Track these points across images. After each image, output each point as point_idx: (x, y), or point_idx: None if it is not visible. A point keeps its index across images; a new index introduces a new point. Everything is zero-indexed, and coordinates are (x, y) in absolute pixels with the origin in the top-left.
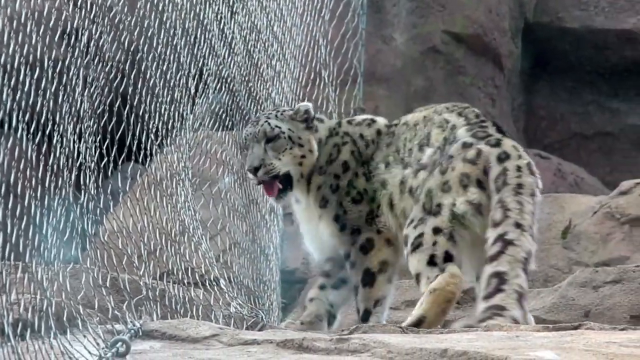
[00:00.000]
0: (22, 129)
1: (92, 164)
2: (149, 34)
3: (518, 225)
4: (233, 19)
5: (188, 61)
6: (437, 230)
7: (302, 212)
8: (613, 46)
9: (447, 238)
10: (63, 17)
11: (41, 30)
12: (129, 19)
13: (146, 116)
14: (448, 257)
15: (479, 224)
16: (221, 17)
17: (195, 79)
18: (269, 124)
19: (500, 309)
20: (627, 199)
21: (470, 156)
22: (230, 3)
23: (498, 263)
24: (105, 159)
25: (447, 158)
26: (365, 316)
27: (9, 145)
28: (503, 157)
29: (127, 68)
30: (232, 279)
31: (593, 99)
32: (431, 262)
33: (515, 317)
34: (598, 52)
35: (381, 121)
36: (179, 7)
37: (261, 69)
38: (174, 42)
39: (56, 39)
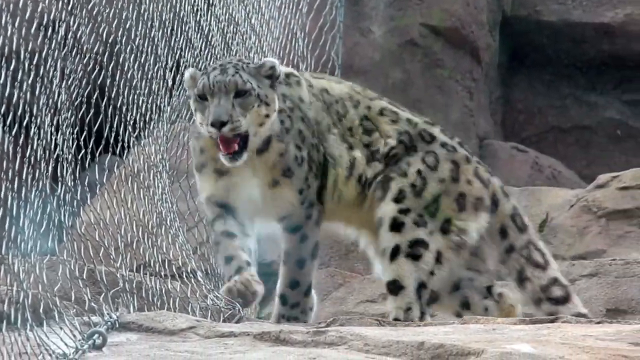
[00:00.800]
0: None
1: (70, 156)
2: (127, 26)
3: (558, 270)
4: (210, 11)
5: (165, 53)
6: (439, 257)
7: (246, 170)
8: (591, 40)
9: (446, 273)
10: (40, 9)
11: (17, 22)
12: (106, 10)
13: (124, 108)
14: (433, 299)
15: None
16: (198, 9)
17: (173, 71)
18: (240, 76)
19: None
20: (603, 193)
21: (484, 177)
22: None
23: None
24: (83, 151)
25: (447, 162)
26: (309, 291)
27: None
28: (506, 192)
29: (104, 60)
30: (209, 272)
31: (570, 92)
32: (419, 292)
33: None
34: (575, 45)
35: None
36: None
37: None
38: (152, 34)
39: (33, 30)
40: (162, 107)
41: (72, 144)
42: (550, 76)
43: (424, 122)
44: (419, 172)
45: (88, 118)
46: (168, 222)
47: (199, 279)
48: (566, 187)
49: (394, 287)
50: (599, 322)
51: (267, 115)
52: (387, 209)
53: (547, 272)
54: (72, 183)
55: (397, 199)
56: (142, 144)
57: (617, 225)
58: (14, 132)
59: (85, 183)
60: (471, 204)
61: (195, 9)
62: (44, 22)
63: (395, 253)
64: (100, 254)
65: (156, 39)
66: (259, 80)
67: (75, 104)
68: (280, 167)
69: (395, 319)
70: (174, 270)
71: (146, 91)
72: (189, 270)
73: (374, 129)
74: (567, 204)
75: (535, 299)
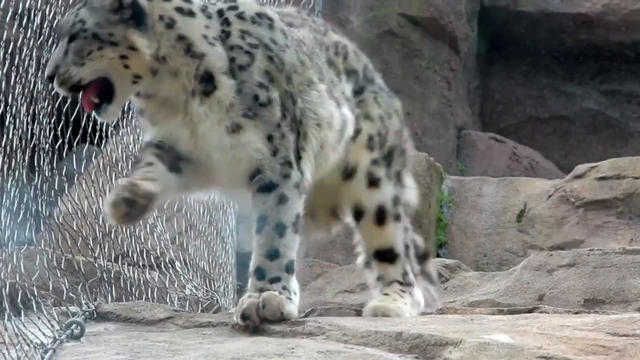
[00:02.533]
0: None
1: (47, 146)
2: None
3: None
4: None
5: None
6: (405, 210)
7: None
8: (568, 30)
9: (409, 231)
10: None
11: None
12: None
13: None
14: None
15: None
16: None
17: None
18: (76, 15)
19: None
20: (581, 183)
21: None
22: None
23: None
24: (60, 141)
25: (395, 112)
26: (291, 268)
27: None
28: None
29: None
30: (187, 262)
31: (548, 82)
32: (407, 252)
33: None
34: (553, 36)
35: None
36: None
37: None
38: None
39: (7, 19)
40: None
41: (49, 134)
42: (528, 66)
43: (360, 53)
44: (380, 118)
45: (65, 107)
46: None
47: (177, 269)
48: (544, 178)
49: (390, 256)
50: (576, 313)
51: (124, 57)
52: (361, 157)
53: None
54: (50, 173)
55: (370, 147)
56: (120, 134)
57: (595, 216)
58: None
59: (63, 173)
60: (410, 164)
61: None
62: (19, 10)
63: (381, 215)
64: (78, 244)
65: None
66: (101, 18)
67: (52, 93)
68: (239, 107)
69: (395, 281)
70: (152, 260)
71: None
72: (167, 261)
73: (338, 72)
74: (545, 194)
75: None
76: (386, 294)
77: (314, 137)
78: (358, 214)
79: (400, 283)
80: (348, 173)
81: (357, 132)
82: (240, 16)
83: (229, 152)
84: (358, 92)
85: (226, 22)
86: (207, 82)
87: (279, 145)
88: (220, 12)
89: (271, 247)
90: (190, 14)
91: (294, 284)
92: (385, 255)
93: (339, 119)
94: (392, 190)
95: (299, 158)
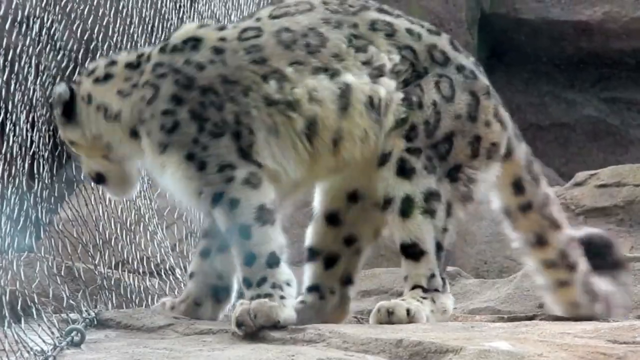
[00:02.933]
0: None
1: (46, 153)
2: (104, 23)
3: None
4: (193, 8)
5: None
6: (449, 209)
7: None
8: (569, 37)
9: (454, 228)
10: (14, 5)
11: None
12: (81, 7)
13: None
14: (445, 263)
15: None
16: (180, 6)
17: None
18: None
19: None
20: (582, 190)
21: (504, 118)
22: None
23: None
24: (60, 148)
25: (465, 93)
26: (273, 261)
27: None
28: (519, 136)
29: (80, 56)
30: (187, 269)
31: (549, 90)
32: (438, 254)
33: None
34: (554, 43)
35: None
36: None
37: None
38: (131, 31)
39: (7, 26)
40: None
41: (49, 141)
42: (528, 74)
43: (428, 33)
44: (434, 104)
45: None
46: (146, 219)
47: (178, 276)
48: None
49: (414, 252)
50: (577, 320)
51: (77, 150)
52: (397, 144)
53: (564, 231)
54: (50, 180)
55: (408, 136)
56: None
57: (595, 223)
58: None
59: (63, 180)
60: (485, 150)
61: (178, 5)
62: (19, 18)
63: (408, 207)
64: (79, 251)
65: (135, 36)
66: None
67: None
68: (156, 146)
69: (416, 286)
70: (153, 267)
71: None
72: (167, 268)
73: (368, 44)
74: None
75: (547, 264)
76: (403, 299)
77: (276, 123)
78: (385, 204)
79: (424, 289)
80: (382, 160)
81: (403, 120)
82: (162, 49)
83: (173, 188)
84: (415, 73)
85: (147, 59)
86: (136, 136)
87: (205, 158)
88: (149, 54)
89: (245, 253)
90: (106, 78)
91: (282, 274)
92: (409, 251)
93: (334, 88)
94: (430, 184)
95: (245, 153)
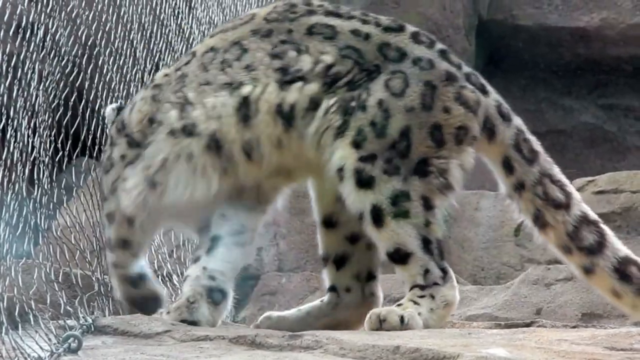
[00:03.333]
0: None
1: (46, 159)
2: (106, 29)
3: (582, 200)
4: (191, 14)
5: (144, 56)
6: (427, 204)
7: None
8: (566, 44)
9: (440, 217)
10: (18, 12)
11: None
12: (86, 13)
13: (102, 111)
14: (442, 253)
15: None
16: (179, 13)
17: (152, 74)
18: None
19: None
20: None
21: (469, 99)
22: None
23: (614, 250)
24: (60, 154)
25: (418, 84)
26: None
27: None
28: (506, 113)
29: (83, 62)
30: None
31: (546, 96)
32: (427, 248)
33: None
34: (552, 49)
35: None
36: (136, 1)
37: None
38: (131, 37)
39: (11, 33)
40: None
41: (49, 147)
42: (526, 80)
43: (384, 31)
44: (379, 103)
45: (65, 120)
46: None
47: (175, 282)
48: None
49: (400, 257)
50: (574, 327)
51: None
52: (345, 155)
53: (571, 210)
54: (49, 186)
55: (357, 142)
56: None
57: None
58: None
59: (62, 186)
60: (452, 136)
61: (176, 11)
62: (23, 24)
63: (378, 217)
64: (76, 257)
65: (135, 42)
66: None
67: (53, 106)
68: None
69: (413, 287)
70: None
71: (124, 94)
72: (164, 274)
73: (290, 49)
74: None
75: (563, 247)
76: (399, 304)
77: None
78: (359, 219)
79: (422, 287)
80: (340, 176)
81: (341, 127)
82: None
83: None
84: (364, 73)
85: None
86: None
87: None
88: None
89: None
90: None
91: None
92: (395, 257)
93: (233, 102)
94: (395, 186)
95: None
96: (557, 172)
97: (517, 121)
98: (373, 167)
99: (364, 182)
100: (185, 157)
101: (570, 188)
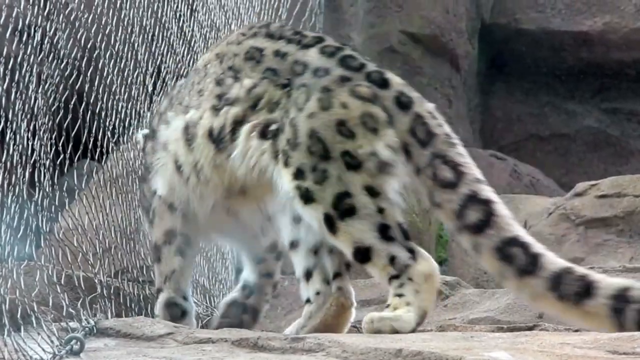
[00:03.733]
0: None
1: (47, 161)
2: (107, 32)
3: (479, 181)
4: (193, 17)
5: (146, 59)
6: (372, 191)
7: None
8: (569, 48)
9: (394, 206)
10: (15, 14)
11: None
12: (85, 15)
13: (102, 113)
14: (405, 234)
15: (407, 171)
16: (180, 15)
17: (153, 77)
18: None
19: (571, 271)
20: (582, 201)
21: (365, 94)
22: (191, 1)
23: (498, 229)
24: (61, 156)
25: (315, 92)
26: (158, 294)
27: None
28: (405, 102)
29: (83, 65)
30: None
31: (549, 100)
32: (385, 235)
33: (588, 272)
34: (554, 53)
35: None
36: (137, 4)
37: None
38: (132, 40)
39: (8, 35)
40: (141, 112)
41: (50, 150)
42: (529, 84)
43: (301, 48)
44: (291, 120)
45: (66, 123)
46: (146, 228)
47: None
48: (545, 195)
49: (362, 255)
50: (577, 330)
51: None
52: (283, 178)
53: (459, 190)
54: (50, 188)
55: (285, 162)
56: (121, 150)
57: (595, 233)
58: None
59: (64, 188)
60: (358, 125)
61: (178, 14)
62: (19, 27)
63: (331, 225)
64: (78, 260)
65: (136, 45)
66: None
67: (53, 109)
68: None
69: (391, 278)
70: (152, 276)
71: (125, 96)
72: None
73: (230, 76)
74: (546, 212)
75: (453, 226)
76: (388, 305)
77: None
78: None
79: (396, 276)
80: (288, 198)
81: (268, 149)
82: None
83: None
84: (283, 91)
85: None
86: None
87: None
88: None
89: None
90: None
91: None
92: (359, 258)
93: (181, 126)
94: (331, 190)
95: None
96: (454, 153)
97: (419, 108)
98: (305, 180)
99: (306, 197)
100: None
101: (466, 168)
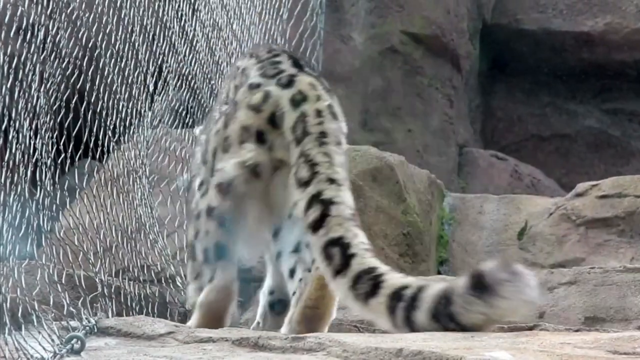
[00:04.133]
0: None
1: (49, 160)
2: (107, 31)
3: (332, 181)
4: (195, 16)
5: (147, 58)
6: (210, 212)
7: None
8: (571, 48)
9: (219, 222)
10: (19, 13)
11: None
12: (86, 15)
13: (103, 112)
14: (220, 252)
15: (255, 189)
16: (182, 15)
17: (155, 76)
18: None
19: (371, 272)
20: (582, 201)
21: (256, 101)
22: (192, 0)
23: (327, 229)
24: (62, 155)
25: (233, 106)
26: None
27: None
28: (298, 100)
29: (84, 64)
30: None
31: (550, 100)
32: (206, 259)
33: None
34: (556, 54)
35: None
36: (137, 3)
37: (222, 67)
38: (132, 39)
39: (12, 34)
40: (142, 112)
41: (52, 148)
42: (530, 84)
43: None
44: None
45: (67, 122)
46: (147, 227)
47: (178, 284)
48: (545, 196)
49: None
50: (577, 330)
51: None
52: None
53: (307, 189)
54: (51, 187)
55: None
56: (122, 149)
57: (596, 234)
58: None
59: (65, 187)
60: (234, 140)
61: (179, 14)
62: (23, 26)
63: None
64: (79, 259)
65: (137, 44)
66: None
67: (54, 108)
68: None
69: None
70: (153, 275)
71: (126, 96)
72: (168, 276)
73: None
74: (546, 212)
75: (305, 228)
76: None
77: None
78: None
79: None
80: None
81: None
82: None
83: None
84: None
85: None
86: None
87: None
88: None
89: None
90: None
91: None
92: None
93: None
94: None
95: None
96: (317, 152)
97: (308, 105)
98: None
99: None
100: None
101: (322, 167)
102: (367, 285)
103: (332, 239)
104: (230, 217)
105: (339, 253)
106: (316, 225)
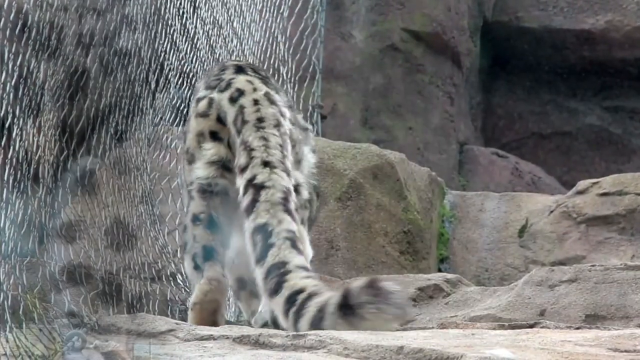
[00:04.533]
0: None
1: (51, 158)
2: (111, 28)
3: (266, 164)
4: (196, 14)
5: (149, 55)
6: (195, 219)
7: None
8: (571, 46)
9: (205, 225)
10: (24, 10)
11: (1, 24)
12: (90, 13)
13: (106, 110)
14: (207, 254)
15: (233, 183)
16: (183, 12)
17: (156, 74)
18: None
19: (281, 267)
20: (583, 199)
21: (202, 108)
22: None
23: (256, 215)
24: (65, 153)
25: (187, 123)
26: None
27: None
28: (236, 97)
29: (88, 62)
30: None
31: (551, 98)
32: (196, 265)
33: (299, 265)
34: (556, 51)
35: None
36: (140, 1)
37: None
38: (135, 36)
39: (17, 32)
40: (144, 109)
41: (54, 146)
42: (530, 82)
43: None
44: None
45: (70, 120)
46: (148, 225)
47: (179, 281)
48: (546, 193)
49: None
50: (578, 328)
51: None
52: None
53: (244, 174)
54: (53, 184)
55: None
56: (123, 146)
57: (597, 231)
58: None
59: (67, 184)
60: (194, 147)
61: (181, 11)
62: (28, 23)
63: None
64: (81, 256)
65: (139, 42)
66: None
67: (57, 105)
68: None
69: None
70: (154, 273)
71: (129, 93)
72: (168, 273)
73: None
74: (547, 209)
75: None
76: None
77: None
78: None
79: None
80: None
81: None
82: None
83: None
84: None
85: None
86: None
87: None
88: None
89: None
90: None
91: None
92: None
93: None
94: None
95: None
96: (254, 137)
97: (246, 98)
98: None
99: None
100: None
101: (258, 152)
102: (273, 282)
103: (258, 225)
104: (217, 216)
105: (260, 241)
106: (248, 211)
